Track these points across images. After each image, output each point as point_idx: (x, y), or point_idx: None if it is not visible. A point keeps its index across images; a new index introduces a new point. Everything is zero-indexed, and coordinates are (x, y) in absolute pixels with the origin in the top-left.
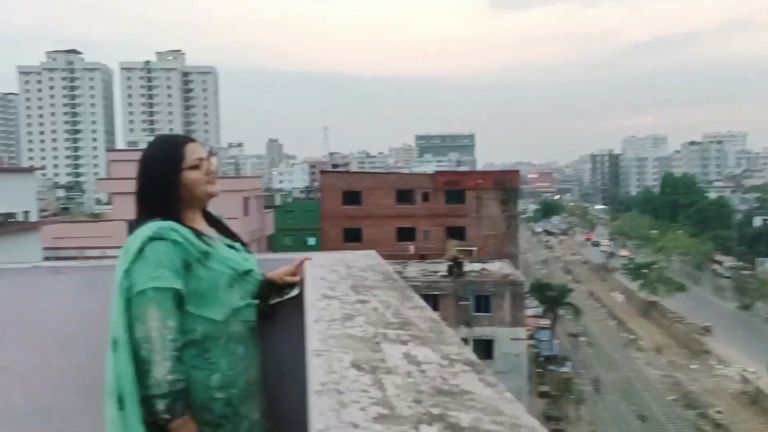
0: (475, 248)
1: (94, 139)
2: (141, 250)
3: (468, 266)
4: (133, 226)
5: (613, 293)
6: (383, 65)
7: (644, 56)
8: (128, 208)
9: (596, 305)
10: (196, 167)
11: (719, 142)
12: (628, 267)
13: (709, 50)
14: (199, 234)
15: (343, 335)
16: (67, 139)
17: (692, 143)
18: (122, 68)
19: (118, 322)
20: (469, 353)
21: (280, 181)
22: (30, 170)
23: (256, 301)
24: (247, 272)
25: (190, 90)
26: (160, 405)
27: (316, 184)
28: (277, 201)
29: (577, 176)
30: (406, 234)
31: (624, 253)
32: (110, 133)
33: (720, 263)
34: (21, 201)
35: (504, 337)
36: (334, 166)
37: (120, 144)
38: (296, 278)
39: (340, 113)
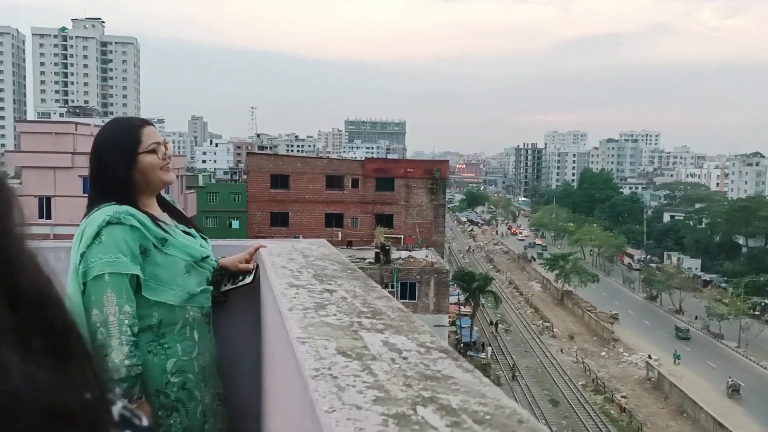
0: (403, 236)
1: (1, 108)
2: (98, 234)
3: (395, 253)
4: (87, 208)
5: (531, 282)
6: (319, 47)
7: (570, 54)
8: (39, 183)
9: (515, 294)
10: (152, 152)
11: (635, 141)
12: (546, 257)
13: (630, 52)
14: (155, 220)
15: (320, 323)
16: None
17: (610, 140)
18: (34, 34)
19: (73, 307)
20: (441, 342)
21: (203, 161)
22: None
23: (212, 288)
24: (204, 258)
25: (109, 61)
26: (117, 390)
27: (242, 165)
28: (200, 181)
29: (502, 168)
30: (334, 220)
31: (539, 242)
32: (20, 102)
33: (631, 256)
34: None
35: (427, 324)
36: (261, 147)
37: (31, 114)
38: (250, 266)
39: (269, 93)
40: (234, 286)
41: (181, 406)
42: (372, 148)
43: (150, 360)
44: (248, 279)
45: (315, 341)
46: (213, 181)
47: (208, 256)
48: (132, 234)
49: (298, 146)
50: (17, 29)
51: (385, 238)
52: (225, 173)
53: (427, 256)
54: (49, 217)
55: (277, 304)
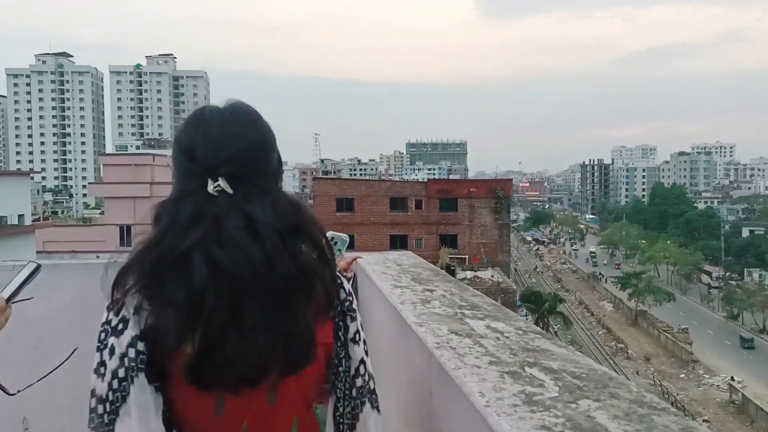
0: (467, 256)
1: (83, 143)
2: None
3: (460, 274)
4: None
5: (602, 302)
6: (376, 71)
7: (636, 67)
8: (120, 213)
9: (586, 314)
10: None
11: (708, 153)
12: (618, 276)
13: (700, 62)
14: None
15: (429, 313)
16: (55, 143)
17: (681, 154)
18: (112, 72)
19: None
20: (534, 327)
21: None
22: (25, 174)
23: None
24: None
25: (181, 94)
26: None
27: (307, 190)
28: None
29: (567, 185)
30: (398, 241)
31: (614, 265)
32: (99, 136)
33: (708, 273)
34: (15, 204)
35: None
36: (325, 172)
37: (109, 147)
38: (350, 273)
39: (331, 119)
40: None
41: None
42: (433, 169)
43: None
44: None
45: (429, 325)
46: None
47: None
48: None
49: (360, 170)
50: (96, 68)
51: (450, 258)
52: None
53: (492, 276)
54: (129, 245)
55: (389, 300)
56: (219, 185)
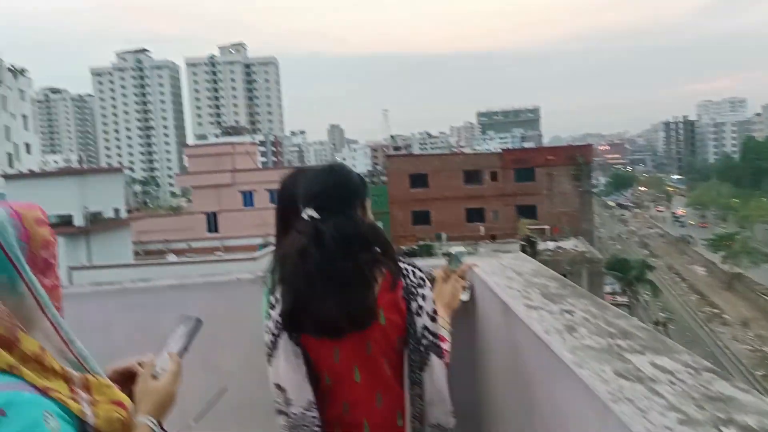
0: (548, 226)
1: (166, 135)
2: None
3: (541, 245)
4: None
5: (693, 266)
6: (440, 43)
7: (718, 15)
8: (205, 201)
9: (676, 279)
10: None
11: None
12: (710, 238)
13: None
14: None
15: (582, 347)
16: (140, 136)
17: None
18: (188, 64)
19: None
20: (702, 361)
21: None
22: (118, 170)
23: None
24: None
25: (253, 81)
26: None
27: (379, 167)
28: None
29: (650, 146)
30: (475, 215)
31: (703, 225)
32: (180, 128)
33: None
34: (110, 199)
35: None
36: (396, 148)
37: (190, 138)
38: (465, 283)
39: (399, 94)
40: None
41: None
42: (506, 138)
43: None
44: (465, 297)
45: (590, 364)
46: None
47: None
48: None
49: (431, 143)
50: (173, 61)
51: (530, 229)
52: (364, 176)
53: (576, 246)
54: (216, 230)
55: (530, 327)
56: (309, 213)
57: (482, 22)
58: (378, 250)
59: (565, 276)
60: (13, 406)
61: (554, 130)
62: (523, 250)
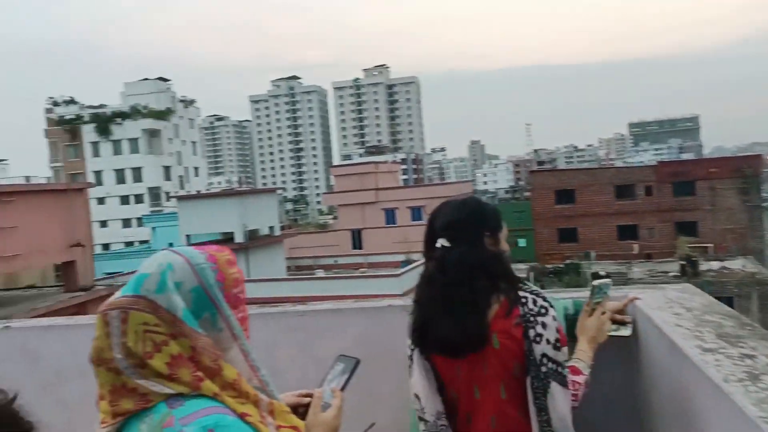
0: (711, 244)
1: (314, 156)
2: None
3: (704, 265)
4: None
5: None
6: (585, 53)
7: None
8: (351, 218)
9: None
10: None
11: None
12: None
13: None
14: None
15: None
16: (291, 158)
17: None
18: (334, 88)
19: None
20: None
21: (485, 183)
22: (272, 190)
23: None
24: None
25: (395, 101)
26: None
27: (521, 182)
28: None
29: None
30: (627, 232)
31: None
32: (327, 148)
33: None
34: (266, 217)
35: None
36: (540, 163)
37: (336, 158)
38: (627, 318)
39: (542, 108)
40: (613, 334)
41: None
42: (661, 149)
43: None
44: (627, 332)
45: None
46: (495, 201)
47: None
48: None
49: (578, 157)
50: (320, 86)
51: (690, 248)
52: (506, 192)
53: (744, 266)
54: (360, 247)
55: (704, 372)
56: (441, 242)
57: (630, 29)
58: (498, 278)
59: (731, 299)
60: (222, 428)
61: (717, 140)
62: (683, 270)
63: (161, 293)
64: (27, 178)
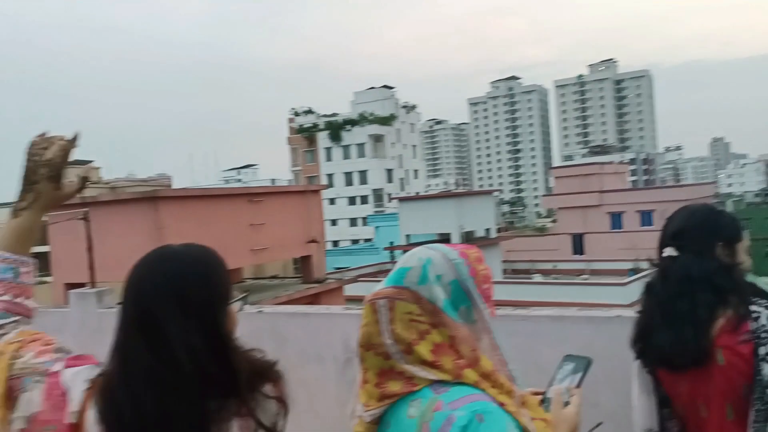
0: None
1: (533, 157)
2: None
3: None
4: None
5: None
6: None
7: None
8: (571, 222)
9: None
10: None
11: None
12: None
13: None
14: None
15: None
16: (509, 159)
17: None
18: (556, 86)
19: None
20: None
21: (729, 185)
22: (489, 192)
23: None
24: None
25: (623, 97)
26: None
27: None
28: (728, 207)
29: None
30: None
31: None
32: (546, 149)
33: None
34: (482, 219)
35: None
36: None
37: (556, 159)
38: None
39: None
40: None
41: None
42: None
43: None
44: None
45: None
46: (743, 206)
47: None
48: None
49: None
50: (541, 85)
51: None
52: (756, 195)
53: None
54: (582, 252)
55: None
56: (668, 251)
57: None
58: (726, 291)
59: None
60: (489, 414)
61: None
62: None
63: (423, 285)
64: (272, 180)
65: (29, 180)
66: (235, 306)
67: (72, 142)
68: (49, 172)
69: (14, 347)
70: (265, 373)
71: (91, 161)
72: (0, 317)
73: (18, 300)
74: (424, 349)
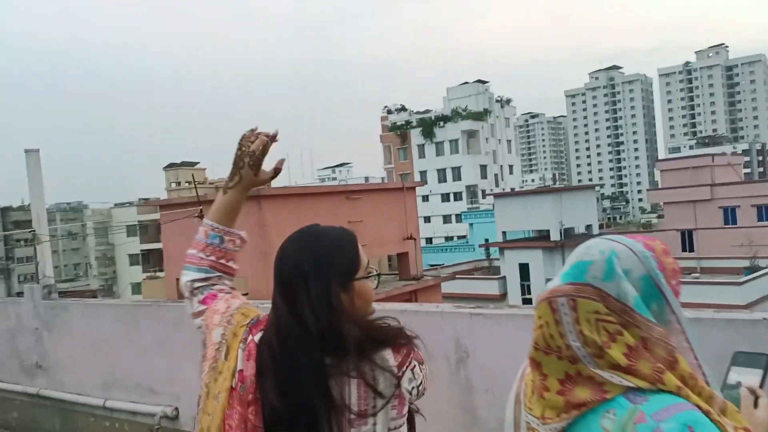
0: None
1: (636, 149)
2: None
3: None
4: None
5: None
6: None
7: None
8: (679, 217)
9: None
10: None
11: None
12: None
13: None
14: None
15: None
16: (609, 152)
17: None
18: (660, 75)
19: None
20: None
21: None
22: (590, 187)
23: None
24: None
25: (735, 84)
26: None
27: None
28: None
29: None
30: None
31: None
32: (651, 141)
33: None
34: (583, 215)
35: None
36: None
37: (661, 151)
38: None
39: None
40: None
41: None
42: None
43: None
44: None
45: None
46: None
47: None
48: None
49: None
50: (644, 74)
51: None
52: None
53: None
54: (692, 249)
55: None
56: None
57: None
58: None
59: None
60: (700, 425)
61: None
62: None
63: (609, 280)
64: (366, 178)
65: (237, 165)
66: (371, 281)
67: (272, 138)
68: (251, 161)
69: (243, 330)
70: (384, 340)
71: (197, 162)
72: (207, 272)
73: (222, 261)
74: (617, 352)
